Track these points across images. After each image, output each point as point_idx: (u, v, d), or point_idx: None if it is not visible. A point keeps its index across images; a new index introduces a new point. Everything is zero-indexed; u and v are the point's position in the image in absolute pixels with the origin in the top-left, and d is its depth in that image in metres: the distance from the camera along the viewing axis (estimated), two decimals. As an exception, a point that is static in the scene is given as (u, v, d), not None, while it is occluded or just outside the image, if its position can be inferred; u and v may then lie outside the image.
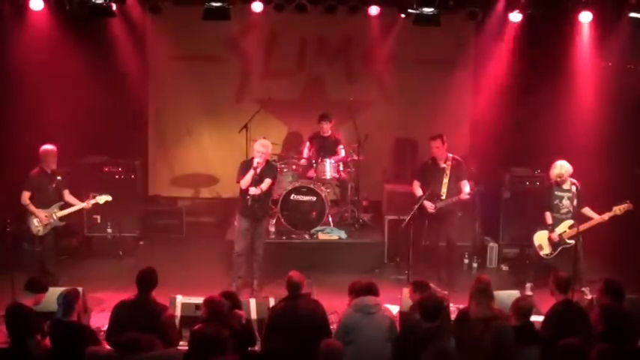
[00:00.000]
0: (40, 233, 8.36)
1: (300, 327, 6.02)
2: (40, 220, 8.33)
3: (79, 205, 8.55)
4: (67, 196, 8.56)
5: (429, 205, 8.59)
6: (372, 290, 6.15)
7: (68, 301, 5.94)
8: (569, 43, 10.03)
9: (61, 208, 8.47)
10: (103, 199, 8.60)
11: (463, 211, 9.14)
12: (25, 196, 8.35)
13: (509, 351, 5.67)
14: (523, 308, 5.97)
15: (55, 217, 8.41)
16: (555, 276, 6.42)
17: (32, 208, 8.34)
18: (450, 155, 8.75)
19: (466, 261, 9.61)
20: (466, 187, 8.71)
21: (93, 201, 8.57)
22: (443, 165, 8.70)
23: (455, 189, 8.66)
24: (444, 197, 8.63)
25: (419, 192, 8.72)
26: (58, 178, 8.50)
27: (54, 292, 6.51)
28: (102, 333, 6.39)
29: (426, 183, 8.72)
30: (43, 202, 8.38)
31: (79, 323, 6.08)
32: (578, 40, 9.89)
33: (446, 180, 8.63)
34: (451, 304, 6.98)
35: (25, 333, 5.93)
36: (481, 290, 6.04)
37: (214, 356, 5.19)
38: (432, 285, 6.58)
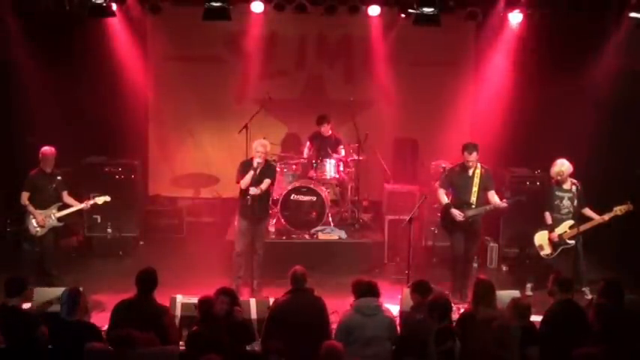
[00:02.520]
0: (39, 234, 8.34)
1: (301, 321, 6.04)
2: (37, 222, 8.30)
3: (77, 205, 8.52)
4: (66, 197, 8.53)
5: (458, 214, 8.20)
6: (372, 291, 6.14)
7: (72, 299, 5.87)
8: (569, 42, 10.05)
9: (60, 208, 8.44)
10: (101, 199, 8.58)
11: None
12: (24, 196, 8.33)
13: (512, 351, 5.66)
14: (520, 308, 5.96)
15: (53, 218, 8.38)
16: (556, 276, 6.41)
17: (31, 208, 8.31)
18: (479, 164, 8.33)
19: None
20: (494, 198, 8.32)
21: (92, 202, 8.54)
22: (472, 173, 8.28)
23: (483, 198, 8.31)
24: (474, 206, 8.25)
25: (444, 199, 8.36)
26: (58, 178, 8.48)
27: (55, 292, 6.53)
28: (102, 333, 6.37)
29: (454, 190, 8.38)
30: (41, 203, 8.35)
31: (83, 321, 6.05)
32: (578, 39, 9.90)
33: (475, 189, 8.24)
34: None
35: (21, 332, 5.87)
36: (487, 291, 6.05)
37: (211, 356, 5.19)
38: (433, 287, 6.56)
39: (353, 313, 6.03)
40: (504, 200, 8.34)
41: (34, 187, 8.35)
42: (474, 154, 8.21)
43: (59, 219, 8.44)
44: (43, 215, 8.31)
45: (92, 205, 8.59)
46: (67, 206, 8.50)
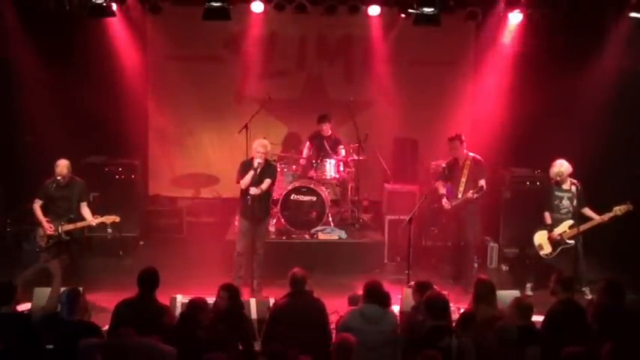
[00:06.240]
0: (44, 246, 8.07)
1: (301, 323, 6.03)
2: (44, 231, 8.14)
3: (86, 220, 8.18)
4: (83, 208, 8.22)
5: (445, 203, 8.77)
6: (383, 302, 6.04)
7: (71, 299, 5.84)
8: (569, 42, 10.05)
9: (70, 221, 8.11)
10: (110, 219, 8.33)
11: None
12: (36, 203, 8.09)
13: (511, 351, 5.66)
14: (523, 308, 5.96)
15: (60, 231, 8.07)
16: (558, 276, 6.42)
17: (39, 217, 8.07)
18: (471, 155, 8.82)
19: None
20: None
21: (99, 220, 8.17)
22: (462, 164, 8.77)
23: (472, 189, 8.64)
24: (460, 196, 8.70)
25: (440, 191, 8.90)
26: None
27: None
28: (102, 332, 6.37)
29: (450, 182, 8.90)
30: (52, 212, 8.12)
31: (83, 320, 6.03)
32: (579, 39, 9.91)
33: (464, 179, 8.71)
34: (451, 304, 6.96)
35: (19, 336, 5.81)
36: (488, 291, 6.06)
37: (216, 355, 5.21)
38: (434, 287, 6.55)
39: (357, 315, 5.94)
40: (471, 192, 8.59)
41: (45, 197, 8.12)
42: (456, 142, 8.75)
43: (67, 232, 8.13)
44: (51, 225, 8.05)
45: (100, 223, 8.26)
46: (80, 218, 8.22)
